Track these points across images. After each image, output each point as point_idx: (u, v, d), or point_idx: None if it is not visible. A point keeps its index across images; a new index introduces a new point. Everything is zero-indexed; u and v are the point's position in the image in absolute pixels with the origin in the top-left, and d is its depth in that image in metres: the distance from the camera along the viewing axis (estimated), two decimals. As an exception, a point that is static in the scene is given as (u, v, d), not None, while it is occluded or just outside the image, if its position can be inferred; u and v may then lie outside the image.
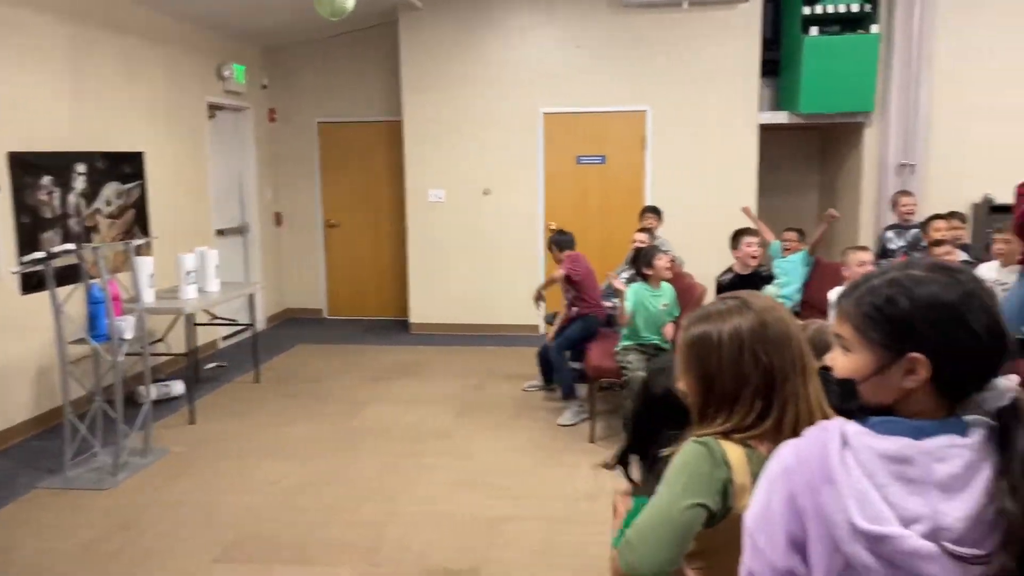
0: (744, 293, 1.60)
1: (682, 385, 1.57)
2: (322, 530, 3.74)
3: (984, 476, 1.04)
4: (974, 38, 7.03)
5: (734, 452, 1.44)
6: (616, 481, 1.94)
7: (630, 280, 5.59)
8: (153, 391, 5.51)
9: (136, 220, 6.16)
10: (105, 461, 4.49)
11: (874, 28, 6.90)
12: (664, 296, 4.89)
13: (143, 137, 6.25)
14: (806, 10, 6.88)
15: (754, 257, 5.43)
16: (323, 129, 8.51)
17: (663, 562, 1.42)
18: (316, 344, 7.57)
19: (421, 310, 8.01)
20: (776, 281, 5.54)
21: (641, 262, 4.98)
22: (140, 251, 5.24)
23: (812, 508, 1.09)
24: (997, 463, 1.05)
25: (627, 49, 7.48)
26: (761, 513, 1.16)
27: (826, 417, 1.39)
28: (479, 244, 7.88)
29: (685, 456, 1.47)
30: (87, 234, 5.56)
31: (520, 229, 7.84)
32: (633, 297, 4.80)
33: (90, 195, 5.63)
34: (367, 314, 8.71)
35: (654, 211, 6.47)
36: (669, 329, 4.82)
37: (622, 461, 1.92)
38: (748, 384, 1.47)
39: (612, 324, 5.58)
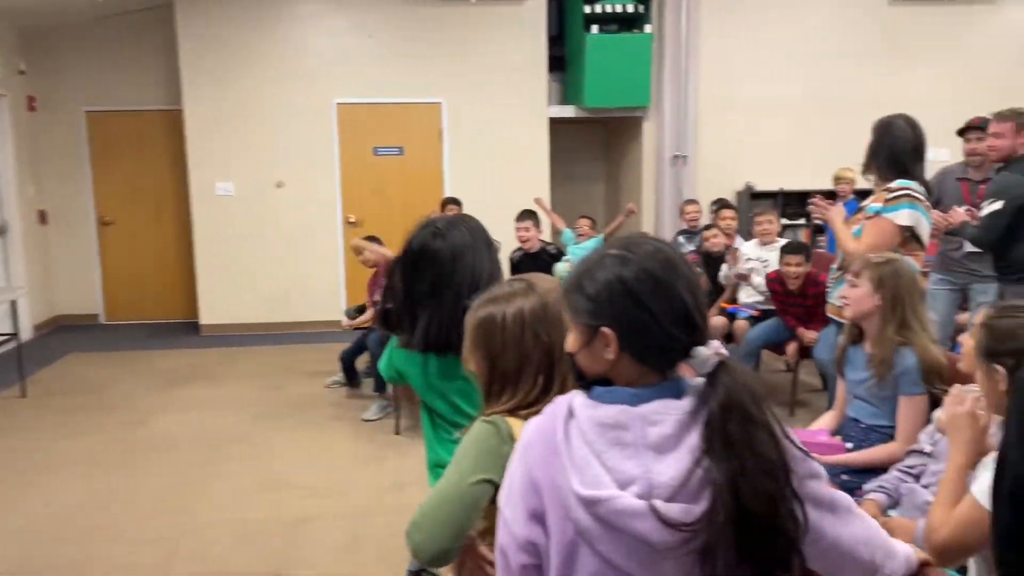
0: (531, 276, 1.66)
1: (470, 365, 1.60)
2: (105, 550, 3.46)
3: (693, 435, 1.10)
4: (734, 38, 7.72)
5: (519, 427, 1.49)
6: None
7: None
8: None
9: None
10: None
11: (647, 28, 7.37)
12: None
13: None
14: (587, 9, 7.22)
15: (524, 240, 5.84)
16: (92, 119, 7.82)
17: (449, 538, 1.45)
18: (93, 352, 6.97)
19: (212, 310, 7.60)
20: (567, 260, 5.82)
21: None
22: None
23: (545, 480, 1.14)
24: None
25: (420, 41, 7.49)
26: (507, 489, 1.21)
27: None
28: (274, 238, 7.59)
29: (473, 434, 1.51)
30: None
31: (317, 222, 7.64)
32: None
33: None
34: (151, 316, 8.12)
35: (455, 202, 6.56)
36: None
37: None
38: (530, 362, 1.53)
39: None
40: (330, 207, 7.63)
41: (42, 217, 7.84)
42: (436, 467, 2.09)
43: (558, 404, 1.20)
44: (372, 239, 5.61)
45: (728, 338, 5.34)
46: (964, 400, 1.85)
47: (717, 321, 5.36)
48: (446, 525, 1.45)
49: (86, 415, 5.26)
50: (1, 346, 6.90)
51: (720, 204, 6.40)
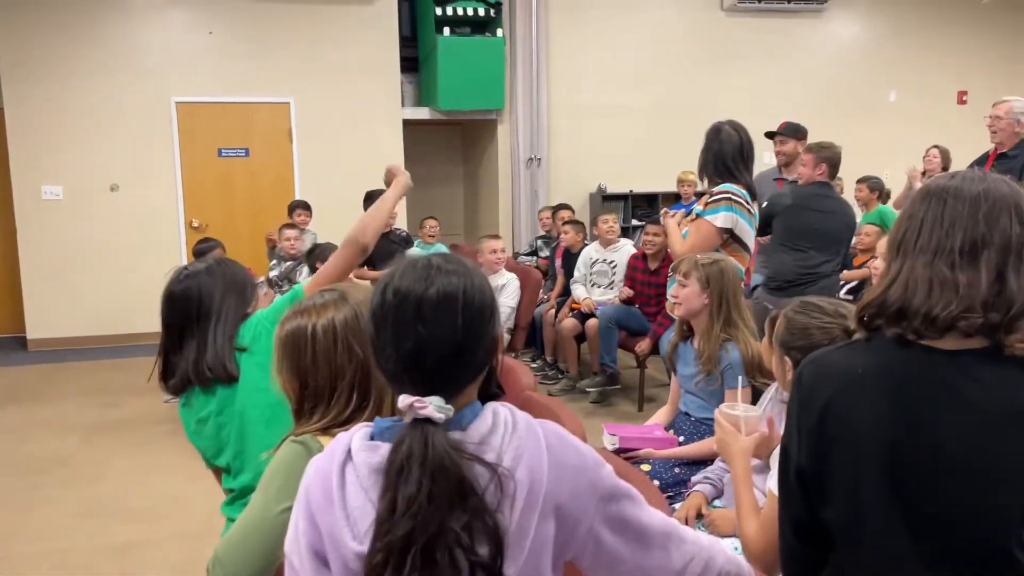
0: (344, 285, 1.59)
1: (278, 384, 1.50)
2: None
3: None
4: (582, 43, 7.91)
5: None
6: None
7: (281, 278, 5.45)
8: None
9: None
10: None
11: (499, 32, 7.43)
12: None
13: None
14: (438, 11, 7.19)
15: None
16: None
17: (257, 573, 1.34)
18: (-101, 373, 6.30)
19: (41, 323, 7.03)
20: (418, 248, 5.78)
21: (315, 259, 4.87)
22: None
23: (325, 527, 1.06)
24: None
25: (267, 38, 7.23)
26: (292, 533, 1.12)
27: None
28: (109, 245, 7.10)
29: (280, 457, 1.40)
30: None
31: (157, 227, 7.21)
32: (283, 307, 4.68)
33: None
34: (-29, 332, 7.44)
35: (304, 206, 6.36)
36: None
37: None
38: (343, 376, 1.43)
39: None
40: (171, 211, 7.23)
41: None
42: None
43: (338, 442, 1.11)
44: (205, 241, 5.35)
45: (580, 338, 5.45)
46: (722, 423, 1.91)
47: (568, 323, 5.43)
48: (253, 559, 1.34)
49: None
50: None
51: (560, 207, 6.70)
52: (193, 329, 2.03)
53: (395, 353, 1.06)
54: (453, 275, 1.07)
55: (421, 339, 1.04)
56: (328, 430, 1.42)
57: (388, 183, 2.38)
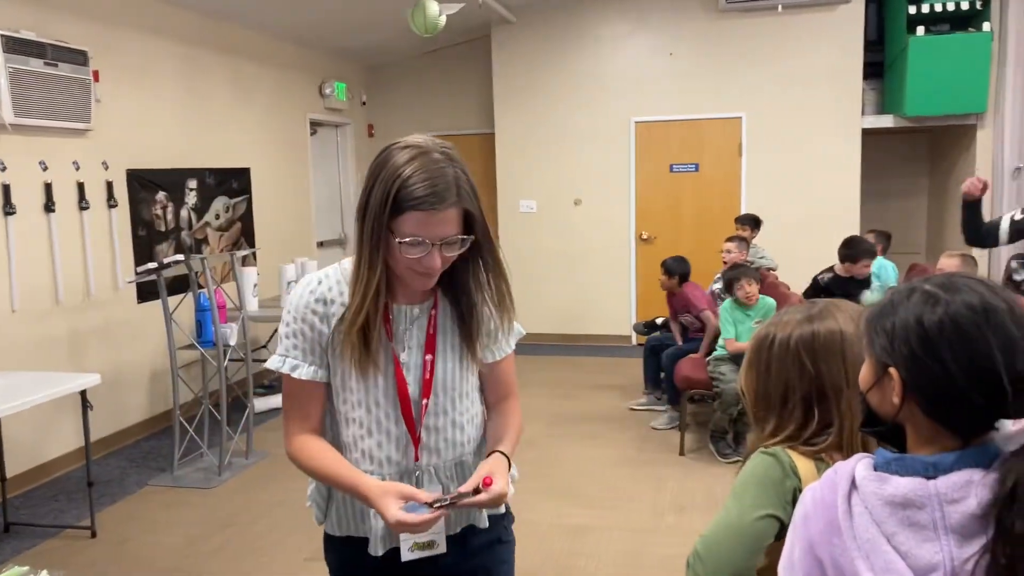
0: (833, 301, 1.56)
1: (742, 380, 1.55)
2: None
3: None
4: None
5: (803, 463, 1.40)
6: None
7: (722, 292, 5.51)
8: (263, 402, 5.78)
9: (243, 232, 6.48)
10: (211, 462, 4.73)
11: (986, 26, 6.55)
12: (758, 313, 4.78)
13: (250, 153, 6.57)
14: (911, 9, 6.59)
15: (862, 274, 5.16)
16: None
17: (733, 573, 1.39)
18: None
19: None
20: (874, 286, 5.30)
21: (725, 286, 4.93)
22: (245, 262, 5.51)
23: (828, 559, 1.02)
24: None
25: (721, 55, 7.36)
26: (787, 561, 1.10)
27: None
28: (570, 253, 7.89)
29: (753, 466, 1.44)
30: (198, 246, 5.88)
31: (611, 238, 7.80)
32: (726, 316, 4.77)
33: (200, 209, 5.95)
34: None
35: (750, 220, 6.33)
36: None
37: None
38: (794, 391, 1.44)
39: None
40: (623, 223, 7.76)
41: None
42: None
43: (839, 472, 1.08)
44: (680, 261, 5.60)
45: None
46: None
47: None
48: (730, 561, 1.39)
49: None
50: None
51: None
52: None
53: (970, 369, 0.97)
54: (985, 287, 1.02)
55: (1010, 344, 0.96)
56: (794, 446, 1.43)
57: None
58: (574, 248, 7.88)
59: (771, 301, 4.86)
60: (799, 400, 1.44)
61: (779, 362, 1.46)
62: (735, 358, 4.73)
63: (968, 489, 0.97)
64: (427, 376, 1.59)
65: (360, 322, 1.50)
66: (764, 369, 1.48)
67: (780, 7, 7.00)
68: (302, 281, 1.60)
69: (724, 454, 4.72)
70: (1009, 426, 0.96)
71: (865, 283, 5.23)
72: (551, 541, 3.70)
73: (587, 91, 7.70)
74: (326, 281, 1.58)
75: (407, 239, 1.43)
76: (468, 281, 1.58)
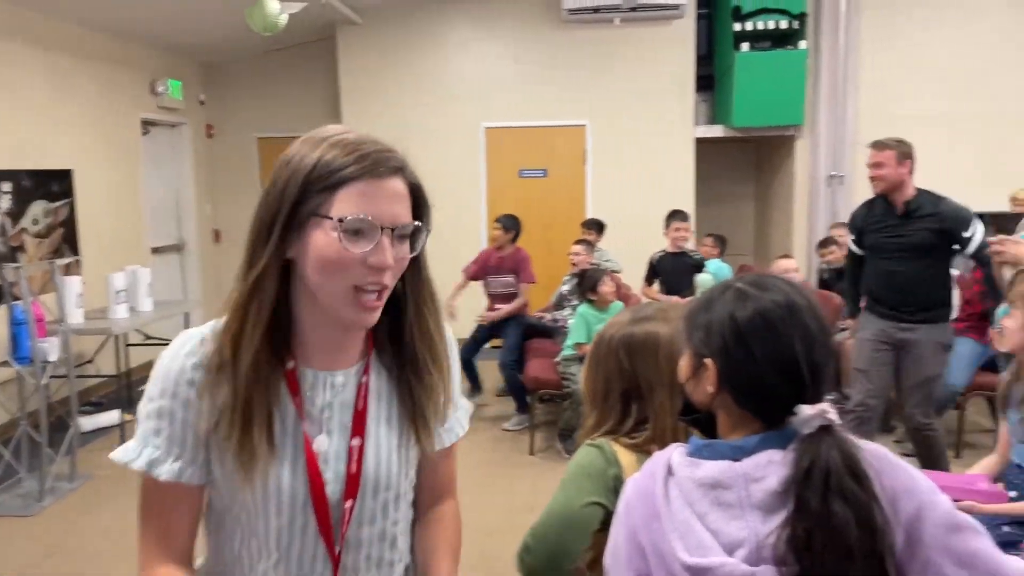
0: (659, 305, 1.64)
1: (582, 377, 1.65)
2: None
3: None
4: (894, 50, 7.28)
5: (625, 455, 1.48)
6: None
7: (570, 293, 5.66)
8: (90, 421, 5.38)
9: (65, 239, 6.01)
10: (31, 487, 4.36)
11: (802, 44, 7.09)
12: (611, 315, 4.93)
13: (72, 154, 6.11)
14: (737, 27, 7.04)
15: (680, 241, 5.65)
16: (263, 144, 8.42)
17: (560, 561, 1.45)
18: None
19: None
20: (707, 271, 5.62)
21: (586, 287, 5.06)
22: (68, 270, 5.11)
23: (649, 545, 1.08)
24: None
25: (565, 64, 7.57)
26: (611, 551, 1.16)
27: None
28: (428, 261, 7.84)
29: (579, 458, 1.52)
30: (13, 254, 5.41)
31: (463, 244, 7.83)
32: (581, 322, 4.88)
33: (16, 214, 5.48)
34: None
35: (595, 224, 6.55)
36: None
37: None
38: (613, 388, 1.53)
39: (552, 335, 5.62)
40: (475, 228, 7.82)
41: (216, 236, 8.51)
42: None
43: (656, 461, 1.15)
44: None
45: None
46: None
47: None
48: (557, 547, 1.46)
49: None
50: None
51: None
52: None
53: (776, 359, 1.07)
54: (789, 286, 1.12)
55: (809, 337, 1.08)
56: (617, 439, 1.52)
57: None
58: (432, 255, 7.83)
59: (620, 304, 5.05)
60: (618, 396, 1.52)
61: (603, 360, 1.55)
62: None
63: (769, 468, 1.05)
64: (353, 470, 1.14)
65: (242, 395, 1.06)
66: (593, 366, 1.57)
67: (618, 20, 7.28)
68: (177, 340, 1.14)
69: (571, 451, 4.85)
70: (806, 411, 1.05)
71: (697, 265, 5.56)
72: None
73: (437, 95, 7.71)
74: (212, 340, 1.11)
75: (347, 224, 1.03)
76: (411, 329, 1.19)
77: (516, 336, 5.60)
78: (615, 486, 1.44)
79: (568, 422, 4.88)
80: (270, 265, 1.06)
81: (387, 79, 7.71)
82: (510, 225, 5.78)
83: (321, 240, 1.04)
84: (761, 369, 1.07)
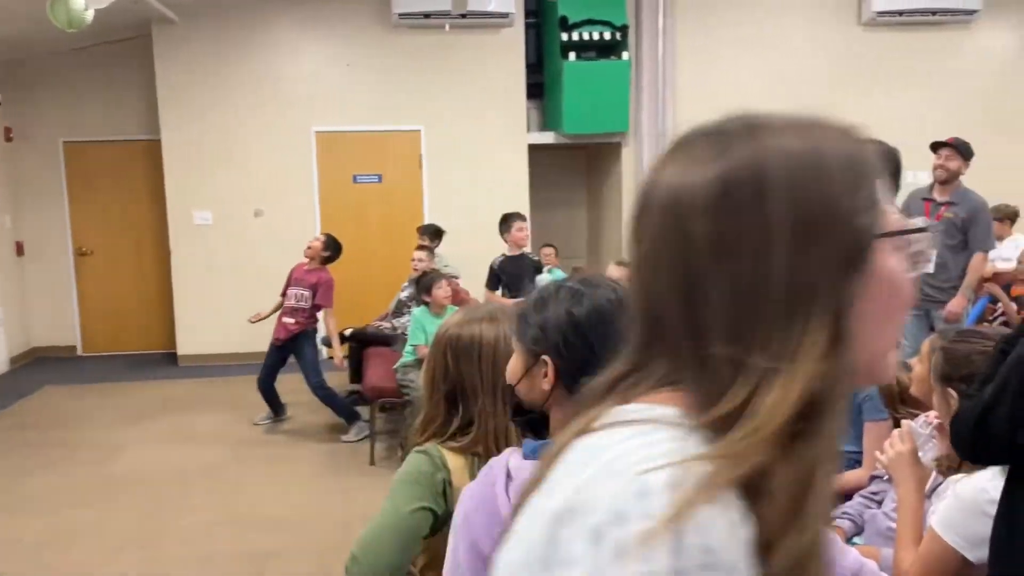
0: (487, 307, 1.65)
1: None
2: (66, 590, 3.38)
3: None
4: (709, 63, 7.77)
5: (453, 458, 1.47)
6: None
7: (409, 299, 5.62)
8: None
9: None
10: None
11: (625, 55, 7.42)
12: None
13: None
14: (564, 37, 7.26)
15: (524, 241, 5.73)
16: (69, 149, 7.79)
17: (390, 569, 1.42)
18: (69, 384, 6.87)
19: (191, 340, 7.53)
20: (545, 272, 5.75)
21: (420, 290, 5.04)
22: None
23: (489, 550, 1.06)
24: None
25: (398, 69, 7.52)
26: (451, 563, 1.14)
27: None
28: (253, 267, 7.54)
29: (407, 464, 1.52)
30: None
31: (296, 251, 7.57)
32: (416, 324, 4.85)
33: None
34: (129, 348, 8.03)
35: (431, 230, 6.54)
36: None
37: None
38: (438, 388, 1.54)
39: (390, 343, 5.55)
40: (309, 235, 7.56)
41: (19, 248, 7.78)
42: None
43: (494, 467, 1.14)
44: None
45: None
46: (906, 438, 1.83)
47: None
48: (385, 555, 1.44)
49: (55, 450, 5.17)
50: (-26, 379, 6.82)
51: None
52: None
53: (612, 353, 1.06)
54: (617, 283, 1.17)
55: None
56: (445, 442, 1.52)
57: None
58: (256, 261, 7.53)
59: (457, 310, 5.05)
60: (443, 396, 1.53)
61: (431, 358, 1.56)
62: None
63: None
64: None
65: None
66: (426, 366, 1.59)
67: (447, 26, 7.32)
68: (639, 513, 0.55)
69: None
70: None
71: (537, 267, 5.69)
72: (233, 571, 3.48)
73: (264, 98, 7.43)
74: (715, 522, 0.53)
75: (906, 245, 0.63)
76: None
77: (312, 352, 5.44)
78: (444, 490, 1.43)
79: (411, 432, 4.78)
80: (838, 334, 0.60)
81: (209, 81, 7.34)
82: (329, 244, 5.59)
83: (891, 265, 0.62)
84: (599, 360, 1.08)
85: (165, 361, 7.68)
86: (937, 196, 4.49)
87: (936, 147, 4.52)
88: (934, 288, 4.39)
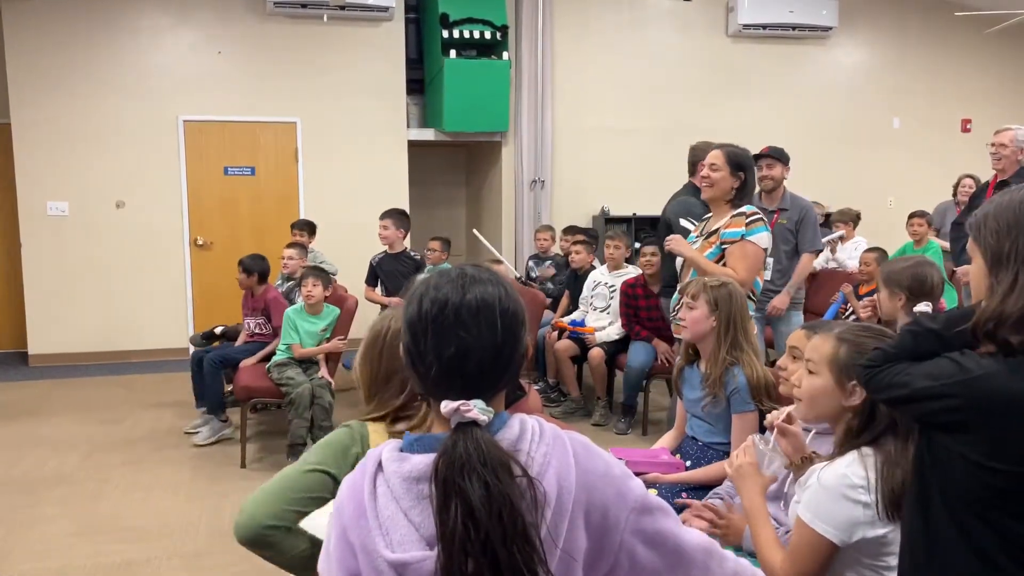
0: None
1: (357, 369, 1.72)
2: None
3: None
4: (585, 67, 7.95)
5: (377, 435, 1.53)
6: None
7: (283, 296, 5.45)
8: None
9: None
10: None
11: (505, 55, 7.48)
12: (324, 320, 4.83)
13: None
14: (445, 34, 7.24)
15: (386, 240, 5.71)
16: (-97, 130, 7.11)
17: (272, 514, 1.47)
18: (-100, 388, 6.27)
19: (43, 339, 7.02)
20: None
21: (296, 286, 4.92)
22: None
23: (357, 542, 1.06)
24: None
25: (272, 59, 7.29)
26: (325, 552, 1.13)
27: None
28: (114, 262, 7.11)
29: (327, 436, 1.60)
30: None
31: (162, 245, 7.22)
32: (288, 323, 4.74)
33: None
34: (-26, 347, 7.42)
35: (306, 226, 6.37)
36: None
37: None
38: (397, 372, 1.60)
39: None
40: (175, 229, 7.24)
41: None
42: None
43: (369, 457, 1.13)
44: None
45: (577, 359, 5.43)
46: (748, 452, 1.95)
47: (563, 345, 5.41)
48: (267, 504, 1.49)
49: None
50: None
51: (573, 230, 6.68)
52: None
53: (436, 360, 1.07)
54: (488, 283, 1.11)
55: (463, 344, 1.07)
56: (377, 420, 1.61)
57: None
58: (118, 255, 7.12)
59: (336, 310, 4.94)
60: (399, 379, 1.62)
61: (389, 348, 1.64)
62: (302, 361, 4.71)
63: None
64: None
65: None
66: (377, 355, 1.67)
67: (325, 17, 7.15)
68: None
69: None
70: (447, 405, 1.07)
71: (418, 266, 5.67)
72: (91, 586, 3.27)
73: (127, 84, 7.02)
74: None
75: None
76: None
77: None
78: (355, 463, 1.42)
79: (295, 431, 4.51)
80: None
81: (66, 65, 6.87)
82: (251, 266, 5.23)
83: None
84: (425, 363, 1.09)
85: (15, 361, 7.14)
86: (767, 205, 4.64)
87: (756, 158, 4.74)
88: (774, 293, 4.64)
